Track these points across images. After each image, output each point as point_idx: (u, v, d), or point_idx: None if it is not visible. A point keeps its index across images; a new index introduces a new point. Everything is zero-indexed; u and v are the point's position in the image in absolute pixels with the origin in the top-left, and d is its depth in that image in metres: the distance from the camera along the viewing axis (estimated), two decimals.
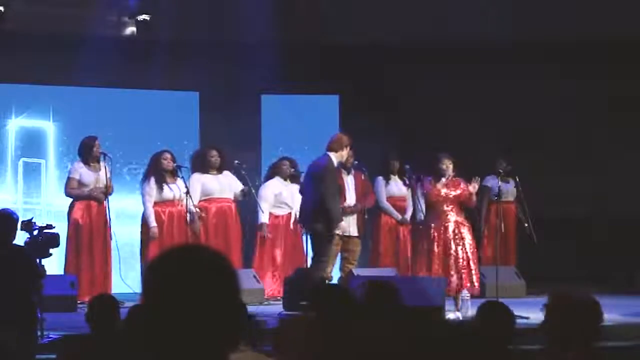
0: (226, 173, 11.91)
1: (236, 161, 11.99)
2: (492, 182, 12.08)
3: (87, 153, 11.38)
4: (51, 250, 8.53)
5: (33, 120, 12.93)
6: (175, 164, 11.55)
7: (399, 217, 12.35)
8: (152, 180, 11.46)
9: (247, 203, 12.17)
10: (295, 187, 11.87)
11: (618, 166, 13.62)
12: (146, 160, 11.82)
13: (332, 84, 13.56)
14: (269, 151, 13.47)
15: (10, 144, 12.88)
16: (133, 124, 13.05)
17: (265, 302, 11.35)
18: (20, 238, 8.25)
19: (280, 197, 12.15)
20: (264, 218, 12.07)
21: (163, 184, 11.46)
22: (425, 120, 13.55)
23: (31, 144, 12.93)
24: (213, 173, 11.85)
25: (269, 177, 12.31)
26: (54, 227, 8.69)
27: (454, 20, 12.65)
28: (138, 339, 2.27)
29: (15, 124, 12.88)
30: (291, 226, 12.09)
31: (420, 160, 11.54)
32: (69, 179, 11.44)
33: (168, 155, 11.55)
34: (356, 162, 11.35)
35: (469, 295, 10.03)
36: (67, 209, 11.44)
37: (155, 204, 11.47)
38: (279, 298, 11.28)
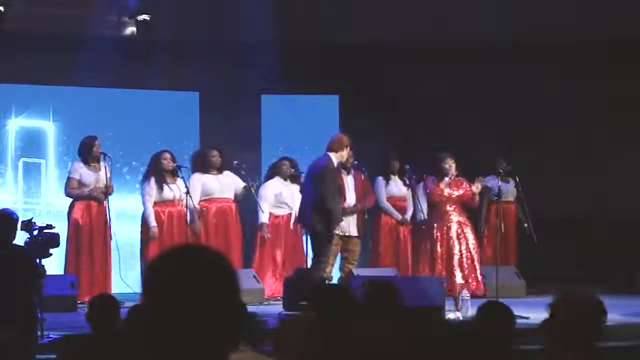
0: (226, 173, 11.91)
1: (235, 161, 12.00)
2: (492, 182, 12.07)
3: (87, 153, 11.38)
4: (51, 250, 8.53)
5: (33, 120, 12.93)
6: (175, 164, 11.55)
7: (399, 217, 12.35)
8: (152, 180, 11.47)
9: (247, 203, 12.17)
10: (296, 187, 11.87)
11: (618, 166, 13.62)
12: (146, 160, 11.83)
13: (332, 84, 13.56)
14: (269, 151, 13.47)
15: (10, 144, 12.88)
16: (133, 124, 13.05)
17: (265, 302, 11.35)
18: (20, 238, 8.25)
19: (281, 197, 12.15)
20: (264, 218, 12.07)
21: (163, 184, 11.46)
22: (425, 120, 13.54)
23: (31, 144, 12.93)
24: (213, 173, 11.85)
25: (269, 177, 12.31)
26: (54, 227, 8.68)
27: (454, 20, 12.65)
28: (138, 339, 2.27)
29: (15, 124, 12.88)
30: (291, 226, 12.09)
31: (420, 160, 11.55)
32: (69, 179, 11.44)
33: (168, 155, 11.55)
34: (356, 162, 11.34)
35: (469, 295, 10.03)
36: (67, 209, 11.44)
37: (155, 204, 11.48)
38: (279, 298, 11.28)
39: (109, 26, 12.66)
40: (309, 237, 10.65)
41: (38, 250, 8.34)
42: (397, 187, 12.41)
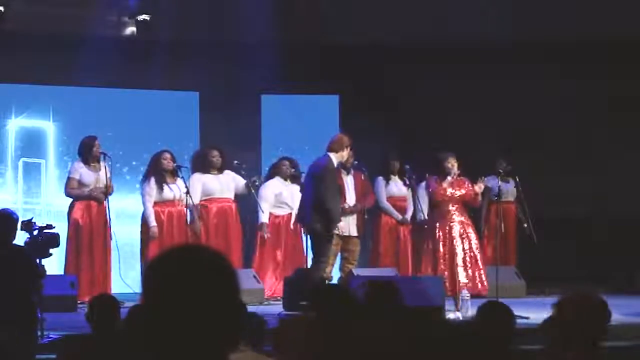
0: (227, 172, 11.91)
1: (235, 161, 12.00)
2: (492, 182, 12.08)
3: (87, 153, 11.38)
4: (51, 250, 8.53)
5: (33, 120, 12.93)
6: (175, 164, 11.55)
7: (399, 217, 12.35)
8: (152, 180, 11.47)
9: (247, 203, 12.17)
10: (296, 188, 11.87)
11: (618, 166, 13.62)
12: (146, 160, 11.83)
13: (332, 84, 13.56)
14: (269, 151, 13.47)
15: (10, 144, 12.88)
16: (133, 124, 13.05)
17: (265, 302, 11.35)
18: (20, 238, 8.25)
19: (281, 197, 12.15)
20: (264, 218, 12.07)
21: (163, 184, 11.47)
22: (425, 120, 13.54)
23: (31, 144, 12.93)
24: (214, 173, 11.86)
25: (269, 177, 12.31)
26: (54, 227, 8.68)
27: (454, 20, 12.65)
28: (138, 339, 2.27)
29: (15, 124, 12.88)
30: (291, 226, 12.09)
31: (420, 160, 11.54)
32: (69, 179, 11.44)
33: (168, 155, 11.55)
34: (356, 162, 11.34)
35: (469, 295, 10.02)
36: (67, 209, 11.44)
37: (155, 204, 11.48)
38: (279, 298, 11.28)
39: (109, 26, 12.66)
40: (309, 237, 10.65)
41: (38, 250, 8.34)
42: (397, 187, 12.41)
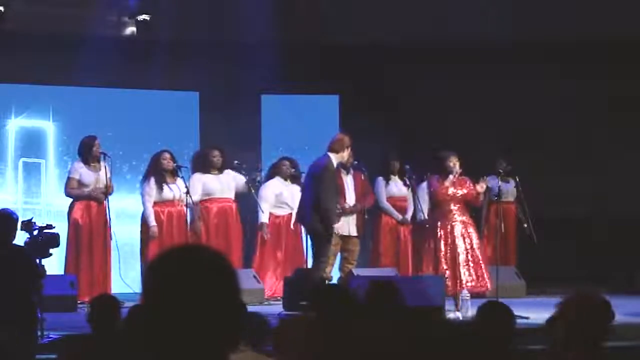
0: (227, 172, 11.91)
1: (235, 161, 12.00)
2: (492, 182, 12.07)
3: (87, 153, 11.38)
4: (51, 250, 8.53)
5: (33, 120, 12.93)
6: (175, 164, 11.55)
7: (400, 217, 12.34)
8: (152, 180, 11.47)
9: (248, 203, 12.17)
10: (296, 188, 11.87)
11: (618, 166, 13.62)
12: (146, 160, 11.83)
13: (332, 84, 13.56)
14: (269, 151, 13.46)
15: (10, 144, 12.88)
16: (133, 124, 13.05)
17: (265, 302, 11.36)
18: (20, 238, 8.25)
19: (281, 197, 12.15)
20: (264, 218, 12.07)
21: (163, 184, 11.47)
22: (425, 120, 13.54)
23: (31, 144, 12.93)
24: (214, 173, 11.86)
25: (269, 177, 12.31)
26: (54, 227, 8.68)
27: (454, 20, 12.65)
28: (138, 339, 2.27)
29: (15, 124, 12.88)
30: (292, 226, 12.09)
31: (420, 160, 11.54)
32: (69, 179, 11.44)
33: (168, 155, 11.55)
34: (356, 162, 11.33)
35: (469, 295, 10.02)
36: (67, 209, 11.44)
37: (155, 204, 11.48)
38: (279, 298, 11.28)
39: (109, 26, 12.66)
40: (309, 237, 10.66)
41: (38, 250, 8.34)
42: (397, 187, 12.41)
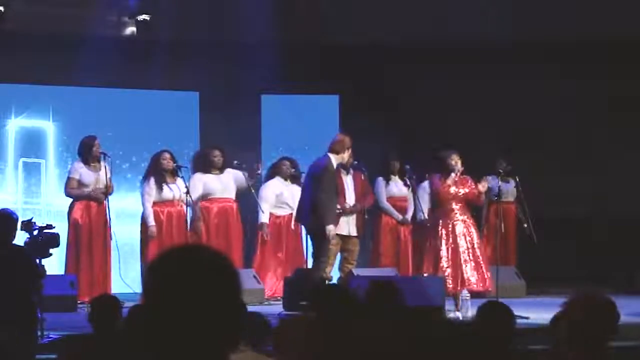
0: (227, 172, 11.91)
1: (235, 161, 12.00)
2: (492, 182, 12.07)
3: (87, 153, 11.38)
4: (51, 250, 8.53)
5: (33, 120, 12.93)
6: (175, 164, 11.55)
7: (400, 217, 12.34)
8: (152, 180, 11.47)
9: (248, 203, 12.17)
10: (296, 188, 11.87)
11: (618, 166, 13.62)
12: (146, 160, 11.84)
13: (332, 84, 13.56)
14: (269, 151, 13.46)
15: (10, 143, 12.88)
16: (133, 124, 13.05)
17: (265, 302, 11.36)
18: (20, 238, 8.25)
19: (281, 197, 12.15)
20: (264, 218, 12.07)
21: (163, 184, 11.46)
22: (425, 120, 13.54)
23: (31, 143, 12.93)
24: (215, 173, 11.85)
25: (269, 177, 12.31)
26: (54, 227, 8.68)
27: (454, 20, 12.65)
28: (138, 339, 2.27)
29: (15, 124, 12.88)
30: (292, 226, 12.09)
31: (420, 160, 11.54)
32: (68, 179, 11.44)
33: (167, 155, 11.55)
34: (356, 162, 11.32)
35: (469, 295, 10.02)
36: (67, 209, 11.44)
37: (155, 204, 11.48)
38: (279, 298, 11.28)
39: (109, 26, 12.66)
40: (309, 237, 10.66)
41: (38, 250, 8.34)
42: (397, 187, 12.41)
